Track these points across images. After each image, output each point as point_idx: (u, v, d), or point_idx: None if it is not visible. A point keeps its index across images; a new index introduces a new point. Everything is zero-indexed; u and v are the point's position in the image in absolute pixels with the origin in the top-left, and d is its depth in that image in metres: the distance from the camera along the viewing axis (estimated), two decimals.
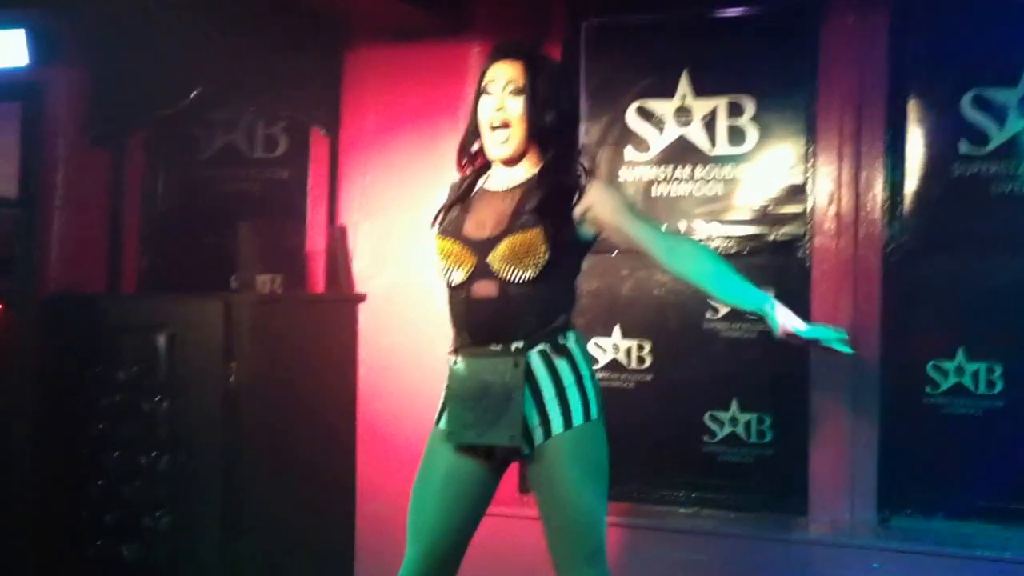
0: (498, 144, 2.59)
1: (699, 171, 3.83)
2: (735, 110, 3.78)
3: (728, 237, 3.78)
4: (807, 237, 3.69)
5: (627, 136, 3.92)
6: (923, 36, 3.60)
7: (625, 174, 3.92)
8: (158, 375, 3.61)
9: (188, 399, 3.59)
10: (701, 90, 3.82)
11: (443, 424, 2.61)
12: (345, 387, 4.05)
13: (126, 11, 3.88)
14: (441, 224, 2.65)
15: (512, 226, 2.51)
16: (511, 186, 2.60)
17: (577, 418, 2.51)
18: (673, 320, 3.84)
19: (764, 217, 3.75)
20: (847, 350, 2.44)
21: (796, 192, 3.72)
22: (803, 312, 2.93)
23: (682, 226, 3.84)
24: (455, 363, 2.57)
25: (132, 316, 3.77)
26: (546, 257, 2.48)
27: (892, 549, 3.43)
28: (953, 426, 3.52)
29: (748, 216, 3.77)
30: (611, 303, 3.92)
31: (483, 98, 2.61)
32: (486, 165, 2.69)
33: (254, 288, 3.84)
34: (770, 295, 2.50)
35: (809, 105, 3.69)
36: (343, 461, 4.04)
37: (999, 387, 3.47)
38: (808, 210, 3.69)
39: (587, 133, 3.93)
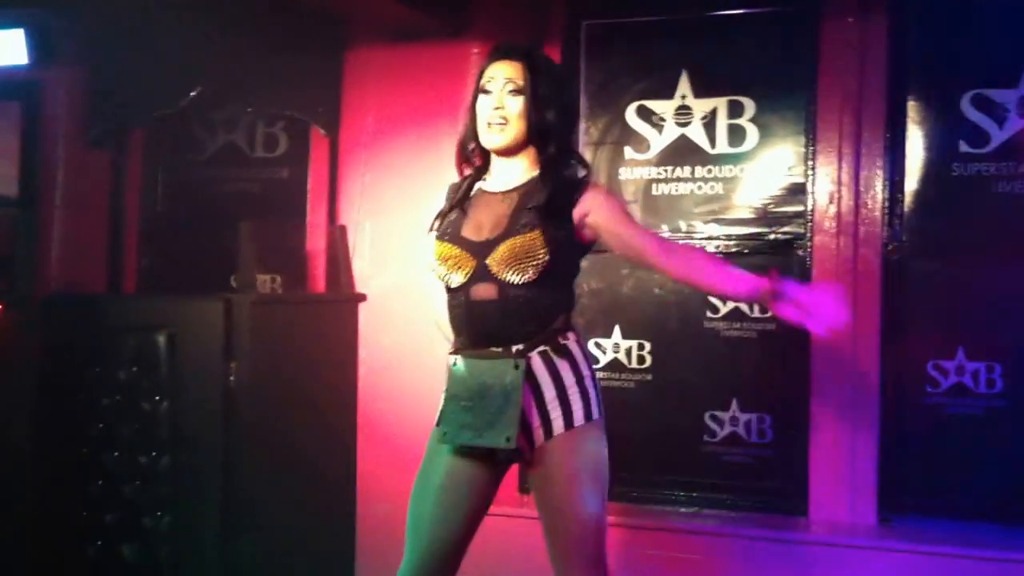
0: (495, 133, 2.57)
1: (699, 171, 3.83)
2: (735, 110, 3.79)
3: (728, 237, 3.78)
4: (807, 237, 3.69)
5: (627, 136, 3.92)
6: (923, 36, 3.60)
7: (625, 174, 3.93)
8: (158, 375, 3.61)
9: (188, 399, 3.59)
10: (701, 90, 3.82)
11: (441, 425, 2.60)
12: (345, 387, 4.05)
13: (126, 11, 3.88)
14: (439, 228, 2.64)
15: (511, 229, 2.50)
16: (509, 188, 2.59)
17: (578, 418, 2.51)
18: (673, 320, 3.84)
19: (764, 217, 3.75)
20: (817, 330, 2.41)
21: (796, 192, 3.72)
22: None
23: (682, 226, 3.84)
24: (455, 364, 2.57)
25: (132, 316, 3.78)
26: (545, 260, 2.47)
27: (892, 549, 3.43)
28: (953, 426, 3.52)
29: (748, 216, 3.77)
30: (611, 303, 3.92)
31: (482, 97, 2.59)
32: (484, 166, 2.68)
33: (254, 288, 3.84)
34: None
35: (809, 105, 3.70)
36: (343, 461, 4.04)
37: (999, 387, 3.47)
38: (808, 210, 3.69)
39: (587, 133, 3.93)
